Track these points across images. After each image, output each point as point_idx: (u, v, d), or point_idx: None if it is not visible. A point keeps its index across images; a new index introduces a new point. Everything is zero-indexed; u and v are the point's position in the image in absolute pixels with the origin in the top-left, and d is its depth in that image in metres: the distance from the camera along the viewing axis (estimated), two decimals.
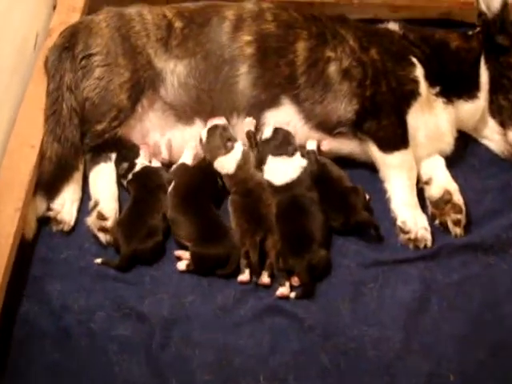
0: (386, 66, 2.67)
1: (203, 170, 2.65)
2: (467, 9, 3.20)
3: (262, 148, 2.62)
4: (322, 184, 2.58)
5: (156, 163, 2.73)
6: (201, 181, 2.63)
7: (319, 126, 2.68)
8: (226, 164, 2.60)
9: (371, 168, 2.71)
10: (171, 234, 2.56)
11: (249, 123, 2.66)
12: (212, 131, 2.64)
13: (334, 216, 2.52)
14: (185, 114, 2.69)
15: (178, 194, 2.57)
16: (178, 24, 2.72)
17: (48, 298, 2.38)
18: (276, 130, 2.63)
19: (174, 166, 2.65)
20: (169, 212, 2.52)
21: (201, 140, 2.65)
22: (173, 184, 2.58)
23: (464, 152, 2.86)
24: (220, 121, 2.65)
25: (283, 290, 2.38)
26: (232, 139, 2.63)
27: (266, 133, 2.62)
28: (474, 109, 2.78)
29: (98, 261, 2.48)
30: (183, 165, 2.65)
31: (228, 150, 2.60)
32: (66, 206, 2.59)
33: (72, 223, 2.58)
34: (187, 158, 2.68)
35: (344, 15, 2.89)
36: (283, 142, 2.60)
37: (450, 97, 2.74)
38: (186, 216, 2.49)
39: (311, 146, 2.69)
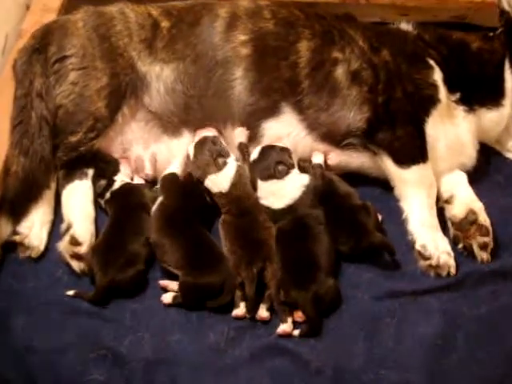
0: (400, 68, 2.51)
1: (193, 183, 2.46)
2: (484, 11, 3.04)
3: (251, 171, 2.46)
4: (328, 202, 2.40)
5: (138, 180, 2.57)
6: (190, 197, 2.43)
7: (325, 137, 2.52)
8: (218, 183, 2.40)
9: (384, 185, 2.55)
10: (156, 260, 2.36)
11: (240, 134, 2.50)
12: (200, 146, 2.46)
13: (342, 239, 2.33)
14: (172, 124, 2.54)
15: (163, 213, 2.38)
16: (164, 23, 2.58)
17: (10, 336, 2.21)
18: (263, 151, 2.46)
19: (161, 177, 2.47)
20: (153, 235, 2.33)
21: (188, 156, 2.48)
22: (158, 201, 2.40)
23: (487, 167, 2.71)
24: (209, 132, 2.48)
25: (285, 327, 2.18)
26: (224, 154, 2.44)
27: (253, 154, 2.46)
28: (498, 118, 2.63)
29: (70, 293, 2.28)
30: (171, 175, 2.47)
31: (219, 168, 2.41)
32: (34, 229, 2.41)
33: (41, 249, 2.41)
34: (176, 167, 2.49)
35: (351, 13, 2.72)
36: (271, 164, 2.42)
37: (471, 104, 2.59)
38: (172, 239, 2.30)
39: (318, 159, 2.52)
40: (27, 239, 2.38)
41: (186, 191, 2.45)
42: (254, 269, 2.22)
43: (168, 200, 2.41)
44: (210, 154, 2.43)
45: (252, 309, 2.19)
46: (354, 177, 2.58)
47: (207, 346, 2.18)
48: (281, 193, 2.39)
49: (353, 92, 2.49)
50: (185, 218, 2.38)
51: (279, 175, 2.40)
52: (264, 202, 2.40)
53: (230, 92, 2.51)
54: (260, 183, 2.41)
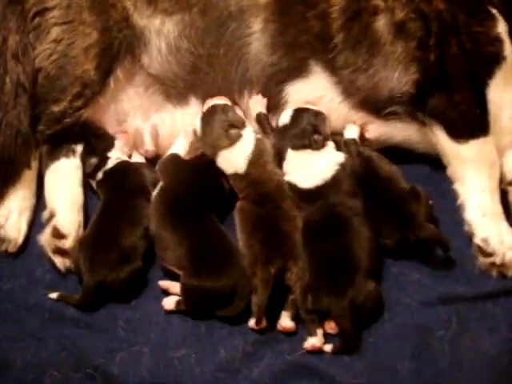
0: (457, 19, 2.27)
1: (202, 165, 2.27)
2: None
3: (279, 139, 2.26)
4: (367, 186, 2.20)
5: (137, 157, 2.39)
6: (198, 181, 2.25)
7: (363, 104, 2.33)
8: (232, 160, 2.20)
9: (434, 163, 2.35)
10: (156, 256, 2.18)
11: (257, 102, 2.32)
12: (208, 116, 2.27)
13: (385, 231, 2.13)
14: (176, 90, 2.38)
15: (165, 199, 2.19)
16: None
17: None
18: (296, 113, 2.27)
19: (161, 160, 2.31)
20: (152, 225, 2.15)
21: (195, 131, 2.30)
22: (159, 186, 2.22)
23: None
24: (220, 101, 2.30)
25: (314, 341, 1.99)
26: (237, 124, 2.24)
27: (284, 117, 2.28)
28: None
29: (53, 295, 2.12)
30: (174, 157, 2.29)
31: (232, 141, 2.20)
32: (11, 218, 2.25)
33: (20, 241, 2.24)
34: (180, 147, 2.31)
35: None
36: (307, 130, 2.23)
37: None
38: (175, 231, 2.12)
39: (351, 132, 2.31)
40: (2, 230, 2.23)
41: (193, 174, 2.27)
42: (271, 268, 2.01)
43: (169, 185, 2.24)
44: (220, 125, 2.24)
45: (259, 319, 1.99)
46: (396, 153, 2.36)
47: (218, 365, 2.01)
48: (312, 168, 2.19)
49: (397, 48, 2.29)
50: (191, 205, 2.19)
51: (315, 145, 2.21)
52: (290, 178, 2.20)
53: (246, 50, 2.34)
54: (290, 153, 2.22)
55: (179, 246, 2.08)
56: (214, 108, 2.27)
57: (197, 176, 2.26)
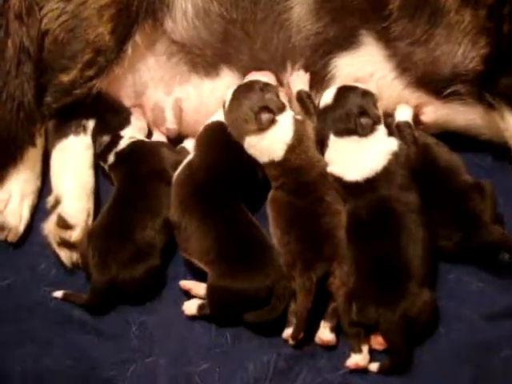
0: None
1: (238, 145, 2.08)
2: None
3: (320, 122, 2.08)
4: (423, 179, 2.03)
5: (157, 137, 2.26)
6: (236, 162, 2.07)
7: (421, 82, 2.16)
8: (264, 148, 2.02)
9: (499, 152, 2.17)
10: (176, 252, 2.04)
11: (298, 78, 2.16)
12: (241, 91, 2.08)
13: (444, 232, 1.97)
14: (204, 59, 2.23)
15: (193, 178, 2.02)
16: None
17: None
18: (340, 92, 2.08)
19: (202, 127, 2.14)
20: (172, 212, 1.99)
21: (224, 105, 2.11)
22: (187, 159, 2.05)
23: None
24: (264, 77, 2.11)
25: (358, 359, 1.83)
26: (273, 108, 2.04)
27: (326, 97, 2.09)
28: None
29: (58, 294, 1.99)
30: (217, 125, 2.10)
31: (263, 126, 2.01)
32: (11, 203, 2.15)
33: (21, 230, 2.14)
34: (222, 114, 2.12)
35: None
36: (352, 112, 2.04)
37: None
38: (202, 219, 1.96)
39: (405, 114, 2.13)
40: (1, 216, 2.12)
41: (230, 152, 2.09)
42: (313, 275, 1.84)
43: (202, 160, 2.05)
44: (250, 105, 2.04)
45: (297, 332, 1.83)
46: (455, 140, 2.18)
47: (245, 382, 1.85)
48: (360, 157, 2.01)
49: (464, 17, 2.11)
50: (221, 190, 2.01)
51: (362, 131, 2.02)
52: (333, 169, 2.02)
53: (287, 16, 2.18)
54: (333, 140, 2.04)
55: (206, 236, 1.93)
56: (251, 83, 2.08)
57: (237, 155, 2.06)
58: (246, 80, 2.16)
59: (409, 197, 1.96)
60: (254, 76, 2.14)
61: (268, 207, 2.01)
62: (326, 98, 2.09)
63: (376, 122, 2.05)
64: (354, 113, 2.03)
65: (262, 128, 2.02)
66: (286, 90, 2.15)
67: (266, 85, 2.09)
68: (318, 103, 2.13)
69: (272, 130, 2.03)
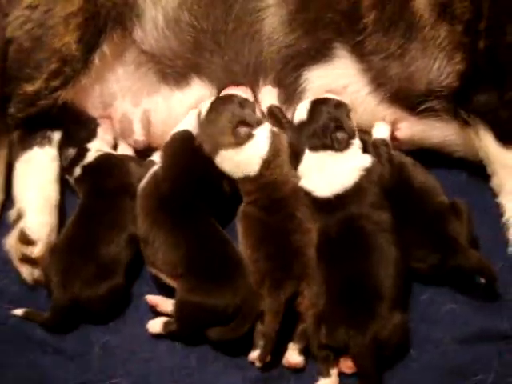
0: None
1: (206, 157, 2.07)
2: None
3: (294, 137, 2.05)
4: (398, 198, 1.99)
5: (124, 149, 2.24)
6: (197, 174, 2.04)
7: (395, 98, 2.14)
8: (239, 163, 1.99)
9: (474, 170, 2.16)
10: (142, 268, 1.99)
11: (267, 94, 2.15)
12: (220, 103, 2.06)
13: (418, 253, 1.92)
14: (174, 70, 2.20)
15: (160, 189, 1.99)
16: None
17: None
18: (314, 105, 2.05)
19: (169, 136, 2.11)
20: (139, 225, 1.95)
21: (199, 115, 2.08)
22: (152, 170, 2.02)
23: None
24: (242, 92, 2.09)
25: (327, 383, 1.78)
26: (251, 122, 2.03)
27: (299, 111, 2.07)
28: None
29: (18, 312, 1.95)
30: (184, 134, 2.09)
31: (239, 140, 1.98)
32: None
33: None
34: (191, 123, 2.12)
35: None
36: (328, 126, 2.01)
37: None
38: (169, 233, 1.93)
39: (382, 131, 2.10)
40: None
41: (197, 163, 2.05)
42: (281, 294, 1.79)
43: (166, 171, 2.02)
44: (229, 118, 2.01)
45: (265, 355, 1.78)
46: (430, 158, 2.16)
47: None
48: (332, 173, 1.97)
49: (440, 32, 2.08)
50: (188, 202, 1.98)
51: (338, 145, 1.99)
52: (304, 183, 1.99)
53: (259, 27, 2.15)
54: (307, 154, 2.01)
55: (175, 249, 1.88)
56: (230, 96, 2.06)
57: (204, 167, 2.02)
58: (224, 92, 2.14)
59: (381, 215, 1.92)
60: (232, 90, 2.12)
61: (238, 223, 1.97)
62: (300, 112, 2.07)
63: (351, 136, 2.01)
64: (330, 128, 2.00)
65: (239, 142, 1.98)
66: (259, 106, 2.11)
67: (245, 100, 2.06)
68: (291, 117, 2.08)
69: (249, 143, 2.00)
